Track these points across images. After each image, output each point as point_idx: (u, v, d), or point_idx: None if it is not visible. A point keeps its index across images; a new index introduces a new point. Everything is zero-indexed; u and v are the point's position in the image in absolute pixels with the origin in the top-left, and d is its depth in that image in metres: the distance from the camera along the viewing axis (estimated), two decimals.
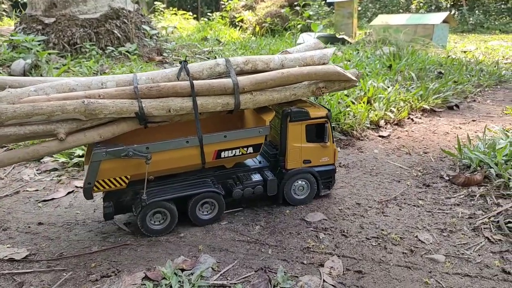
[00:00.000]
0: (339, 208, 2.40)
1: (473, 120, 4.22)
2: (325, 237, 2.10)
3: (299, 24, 8.06)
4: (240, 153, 2.18)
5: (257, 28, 13.88)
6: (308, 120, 2.27)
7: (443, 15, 10.11)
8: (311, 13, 15.58)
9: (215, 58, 7.00)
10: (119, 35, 6.69)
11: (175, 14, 17.19)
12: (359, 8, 25.71)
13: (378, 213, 2.34)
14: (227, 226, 2.21)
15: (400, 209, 2.38)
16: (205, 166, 2.17)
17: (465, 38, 15.59)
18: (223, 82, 2.01)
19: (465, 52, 9.02)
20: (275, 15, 14.11)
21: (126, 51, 6.45)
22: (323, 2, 16.31)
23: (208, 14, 17.75)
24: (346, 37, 10.82)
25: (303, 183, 2.39)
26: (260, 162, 2.42)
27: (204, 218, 2.19)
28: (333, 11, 14.91)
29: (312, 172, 2.38)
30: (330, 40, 10.52)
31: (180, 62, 2.04)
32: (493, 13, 23.74)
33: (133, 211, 2.09)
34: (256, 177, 2.31)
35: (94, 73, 5.24)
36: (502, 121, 4.14)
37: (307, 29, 15.02)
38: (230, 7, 14.55)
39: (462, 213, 2.32)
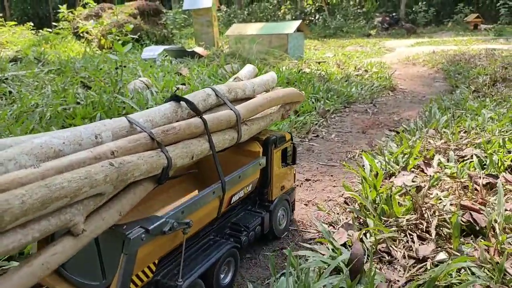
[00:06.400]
0: None
1: (308, 187, 3.05)
2: None
3: (125, 40, 6.43)
4: (243, 193, 1.88)
5: (102, 40, 11.82)
6: (284, 143, 2.11)
7: (296, 23, 9.48)
8: (168, 22, 14.05)
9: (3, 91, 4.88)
10: None
11: (3, 25, 14.00)
12: (231, 15, 25.10)
13: None
14: None
15: None
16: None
17: (326, 43, 15.80)
18: (228, 114, 1.74)
19: (319, 63, 8.42)
20: (123, 25, 12.12)
21: None
22: (180, 9, 14.86)
23: (54, 24, 14.95)
24: (197, 50, 9.48)
25: (283, 212, 2.17)
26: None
27: (227, 282, 1.70)
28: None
29: (287, 198, 2.19)
30: (179, 54, 9.08)
31: (172, 97, 1.62)
32: (351, 17, 25.39)
33: None
34: (250, 218, 1.94)
35: None
36: (343, 177, 3.09)
37: (164, 40, 13.44)
38: (62, 15, 12.13)
39: None
